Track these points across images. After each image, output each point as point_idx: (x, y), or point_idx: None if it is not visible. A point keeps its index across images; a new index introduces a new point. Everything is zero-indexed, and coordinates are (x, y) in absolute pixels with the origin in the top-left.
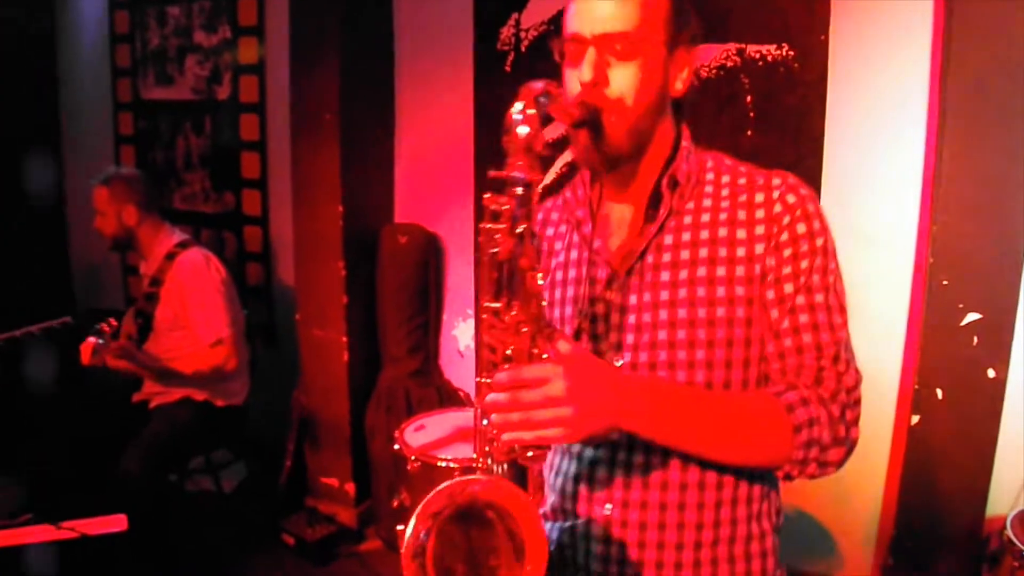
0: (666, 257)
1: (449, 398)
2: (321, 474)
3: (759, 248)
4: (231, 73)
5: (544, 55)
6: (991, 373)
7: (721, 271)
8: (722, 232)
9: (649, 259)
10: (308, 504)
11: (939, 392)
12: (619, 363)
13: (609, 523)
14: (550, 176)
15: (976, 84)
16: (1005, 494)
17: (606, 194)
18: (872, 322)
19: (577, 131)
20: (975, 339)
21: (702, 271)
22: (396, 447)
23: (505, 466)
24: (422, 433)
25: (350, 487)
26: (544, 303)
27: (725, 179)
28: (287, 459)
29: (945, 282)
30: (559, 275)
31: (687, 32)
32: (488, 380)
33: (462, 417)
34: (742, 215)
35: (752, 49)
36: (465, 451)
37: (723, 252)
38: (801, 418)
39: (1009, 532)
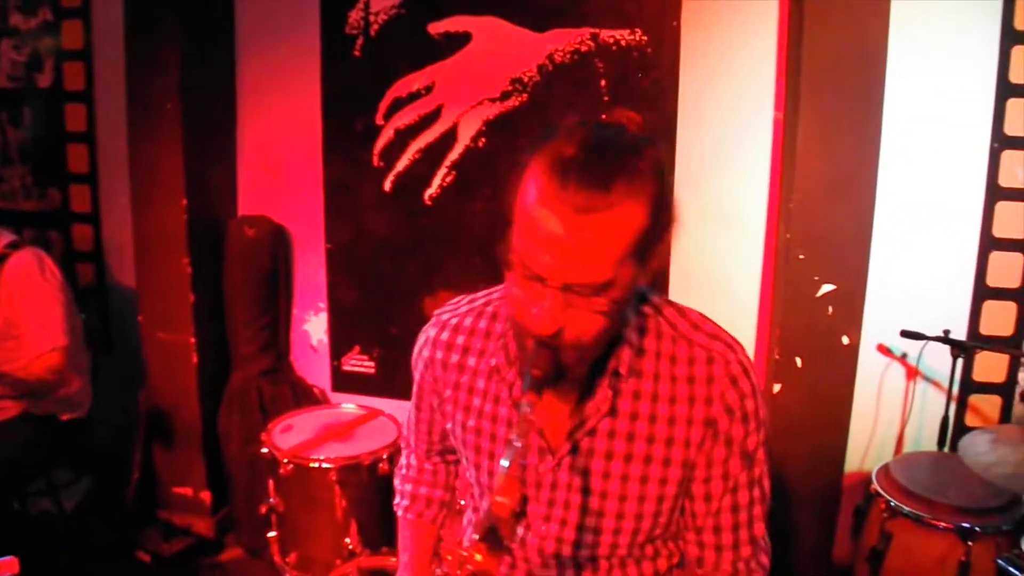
0: (601, 445)
1: (304, 395)
2: (173, 484)
3: (692, 451)
4: (53, 59)
5: (395, 40)
6: (845, 340)
7: (655, 471)
8: (659, 430)
9: (584, 444)
10: (161, 517)
11: (798, 360)
12: (544, 528)
13: None
14: (403, 163)
15: (830, 68)
16: (856, 453)
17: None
18: (729, 297)
19: (527, 389)
20: (830, 308)
21: (635, 469)
22: (265, 450)
23: None
24: (291, 434)
25: (205, 495)
26: None
27: (667, 356)
28: (134, 471)
29: (801, 256)
30: (480, 407)
31: (665, 233)
32: None
33: (329, 415)
34: (681, 411)
35: (606, 34)
36: (337, 449)
37: (658, 452)
38: None
39: (876, 485)
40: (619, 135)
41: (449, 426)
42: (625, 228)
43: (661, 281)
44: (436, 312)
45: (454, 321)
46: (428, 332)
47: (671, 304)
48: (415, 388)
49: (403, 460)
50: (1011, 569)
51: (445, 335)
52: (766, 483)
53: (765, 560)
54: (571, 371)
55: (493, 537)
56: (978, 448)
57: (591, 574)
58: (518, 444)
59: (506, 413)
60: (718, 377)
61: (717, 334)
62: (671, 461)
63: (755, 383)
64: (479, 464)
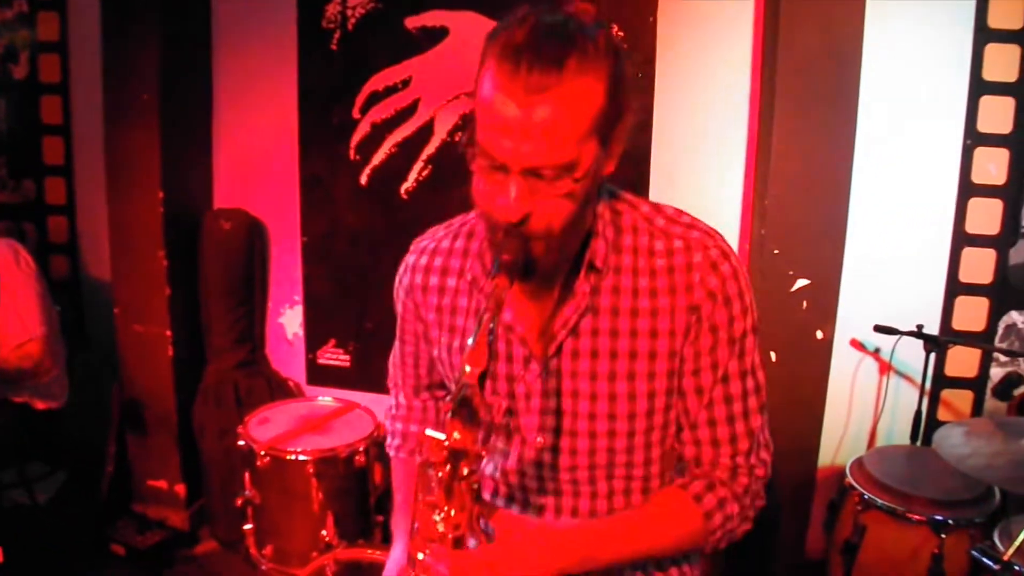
0: (584, 344)
1: (279, 387)
2: (148, 477)
3: (678, 341)
4: (28, 51)
5: (372, 34)
6: (819, 334)
7: (641, 366)
8: (642, 322)
9: (567, 345)
10: (136, 510)
11: (772, 355)
12: (538, 440)
13: None
14: (379, 157)
15: (804, 65)
16: (830, 446)
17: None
18: None
19: (497, 270)
20: (804, 303)
21: (622, 365)
22: (242, 442)
23: None
24: (268, 427)
25: (180, 488)
26: (479, 504)
27: (644, 249)
28: (108, 464)
29: (776, 251)
30: (463, 325)
31: (626, 111)
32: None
33: (305, 407)
34: (663, 302)
35: None
36: (314, 442)
37: (643, 345)
38: (717, 522)
39: (850, 478)
40: (568, 20)
41: (436, 352)
42: (582, 106)
43: None
44: (415, 240)
45: (431, 245)
46: (407, 260)
47: (645, 201)
48: (399, 321)
49: (392, 400)
50: (984, 560)
51: (424, 259)
52: (760, 375)
53: (766, 455)
54: (541, 262)
55: (466, 411)
56: (953, 441)
57: (589, 487)
58: (484, 317)
59: None
60: (697, 264)
61: (694, 224)
62: (657, 353)
63: (736, 267)
64: None
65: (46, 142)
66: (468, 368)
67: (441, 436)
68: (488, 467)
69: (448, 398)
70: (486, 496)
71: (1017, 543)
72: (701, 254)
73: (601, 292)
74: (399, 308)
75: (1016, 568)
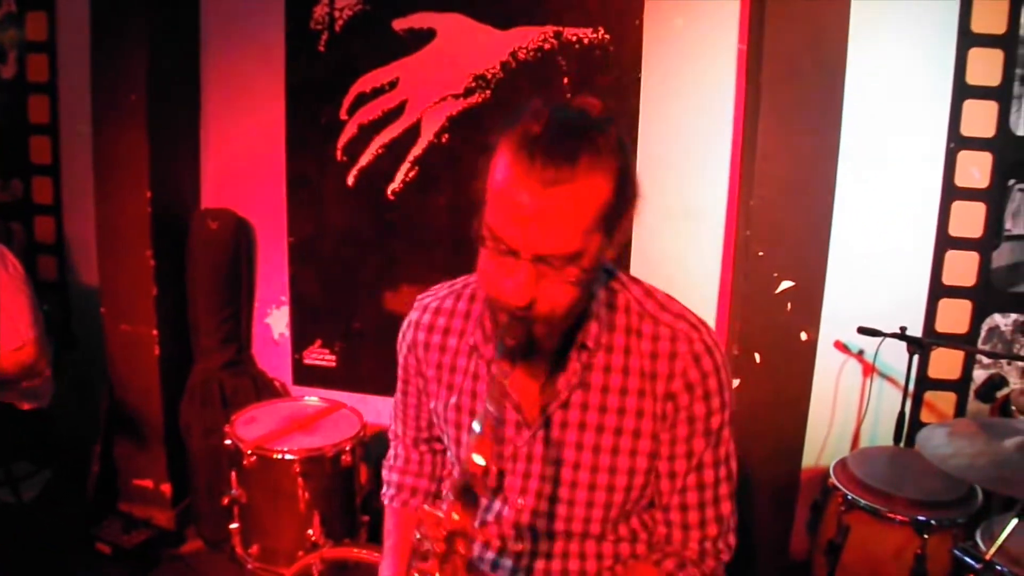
0: (574, 416)
1: (265, 387)
2: (134, 476)
3: (658, 425)
4: (17, 50)
5: (359, 36)
6: (803, 336)
7: (625, 443)
8: (629, 401)
9: (557, 416)
10: (121, 509)
11: (757, 356)
12: (520, 503)
13: None
14: (366, 158)
15: (789, 68)
16: (813, 448)
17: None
18: (688, 292)
19: (501, 355)
20: (789, 305)
21: (607, 440)
22: (228, 441)
23: None
24: (254, 425)
25: (166, 487)
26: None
27: (635, 330)
28: (95, 463)
29: (761, 253)
30: (460, 384)
31: (629, 206)
32: None
33: (291, 407)
34: (648, 387)
35: (569, 32)
36: (301, 441)
37: (629, 423)
38: None
39: (833, 479)
40: (582, 115)
41: (432, 405)
42: (591, 200)
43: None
44: (418, 297)
45: (435, 304)
46: (411, 316)
47: (639, 283)
48: (400, 373)
49: (391, 451)
50: (966, 559)
51: (427, 317)
52: (733, 464)
53: (732, 540)
54: (543, 344)
55: (468, 496)
56: (935, 441)
57: (564, 548)
58: (491, 408)
59: (485, 389)
60: (681, 354)
61: (683, 314)
62: (641, 433)
63: (720, 363)
64: (459, 440)
65: (33, 141)
66: (476, 458)
67: (439, 514)
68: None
69: (451, 484)
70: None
71: (999, 543)
72: (685, 345)
73: (593, 369)
74: (401, 361)
75: (998, 568)
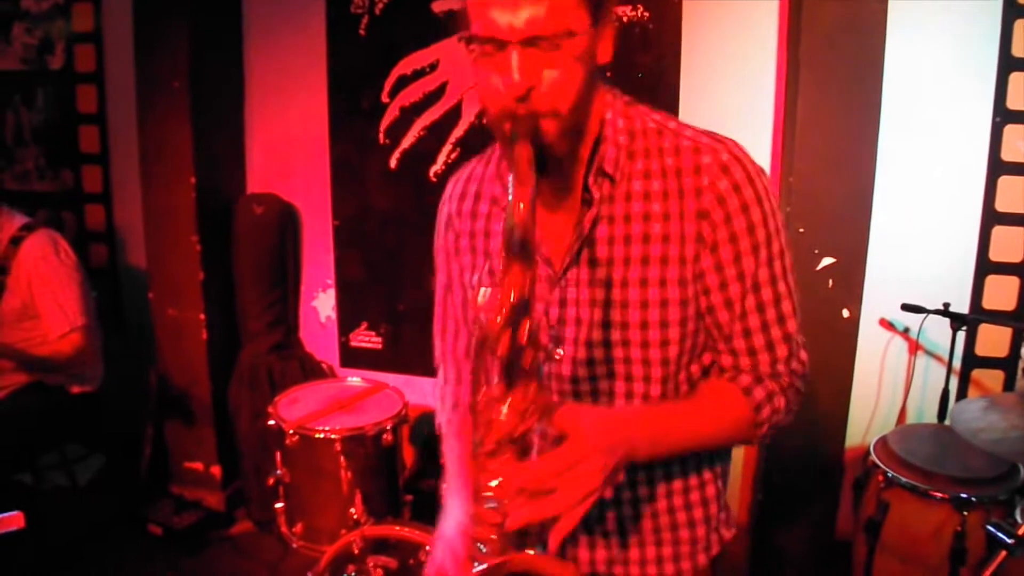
0: (599, 252)
1: (312, 370)
2: (185, 459)
3: (689, 249)
4: (64, 42)
5: (399, 18)
6: (845, 313)
7: (654, 272)
8: (655, 227)
9: (583, 255)
10: (173, 491)
11: None
12: (559, 354)
13: None
14: (408, 141)
15: (828, 40)
16: (859, 426)
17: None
18: None
19: (514, 144)
20: (830, 282)
21: (634, 272)
22: (272, 422)
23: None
24: (297, 406)
25: (216, 470)
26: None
27: (655, 151)
28: (146, 446)
29: (801, 230)
30: (494, 249)
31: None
32: (491, 471)
33: (335, 387)
34: (673, 205)
35: None
36: (343, 421)
37: (655, 250)
38: (766, 414)
39: (874, 457)
40: None
41: (469, 278)
42: None
43: None
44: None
45: (465, 173)
46: (444, 193)
47: (658, 111)
48: (440, 265)
49: (439, 376)
50: (999, 535)
51: (458, 188)
52: (791, 279)
53: (804, 356)
54: (554, 145)
55: (521, 251)
56: (968, 415)
57: (606, 397)
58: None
59: None
60: (706, 166)
61: (706, 131)
62: (668, 259)
63: (752, 172)
64: None
65: (82, 131)
66: (517, 206)
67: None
68: None
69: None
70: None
71: None
72: (710, 156)
73: (615, 200)
74: (439, 249)
75: None
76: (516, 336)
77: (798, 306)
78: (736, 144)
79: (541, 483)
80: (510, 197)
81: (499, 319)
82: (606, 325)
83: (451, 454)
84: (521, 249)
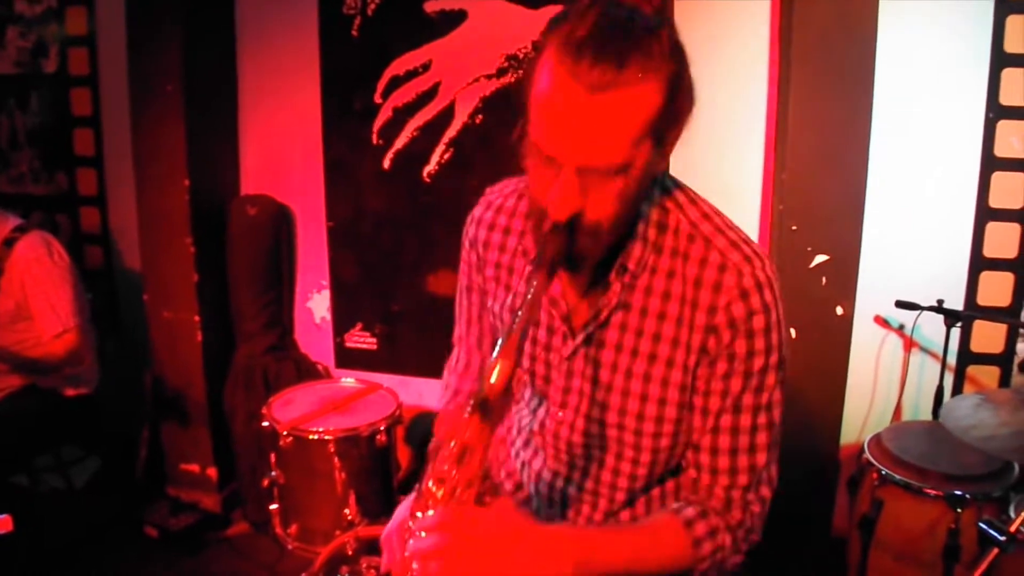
0: (611, 337)
1: (307, 371)
2: (181, 461)
3: (693, 359)
4: (58, 45)
5: (392, 19)
6: (839, 311)
7: (658, 371)
8: (666, 328)
9: (598, 334)
10: (169, 493)
11: (792, 331)
12: (560, 414)
13: None
14: (401, 141)
15: (819, 37)
16: (854, 423)
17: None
18: None
19: (538, 270)
20: (823, 279)
21: (639, 366)
22: (265, 423)
23: None
24: (291, 407)
25: (212, 471)
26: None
27: (681, 253)
28: (142, 448)
29: (794, 227)
30: (517, 286)
31: (684, 115)
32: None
33: (330, 388)
34: (688, 316)
35: None
36: (336, 422)
37: (664, 350)
38: (706, 551)
39: (867, 455)
40: (633, 15)
41: (490, 304)
42: (640, 107)
43: None
44: (487, 190)
45: (498, 201)
46: (474, 212)
47: (699, 202)
48: (463, 267)
49: (453, 354)
50: (991, 532)
51: (489, 215)
52: (776, 412)
53: (766, 493)
54: (586, 258)
55: (485, 409)
56: (959, 412)
57: (596, 465)
58: (521, 315)
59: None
60: (727, 287)
61: (739, 243)
62: (674, 363)
63: (771, 302)
64: None
65: (77, 134)
66: (496, 371)
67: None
68: (526, 419)
69: (470, 396)
70: (520, 442)
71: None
72: (734, 278)
73: (635, 290)
74: (464, 255)
75: None
76: (461, 461)
77: (776, 444)
78: (763, 265)
79: (441, 526)
80: (493, 356)
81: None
82: (605, 407)
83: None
84: (484, 409)
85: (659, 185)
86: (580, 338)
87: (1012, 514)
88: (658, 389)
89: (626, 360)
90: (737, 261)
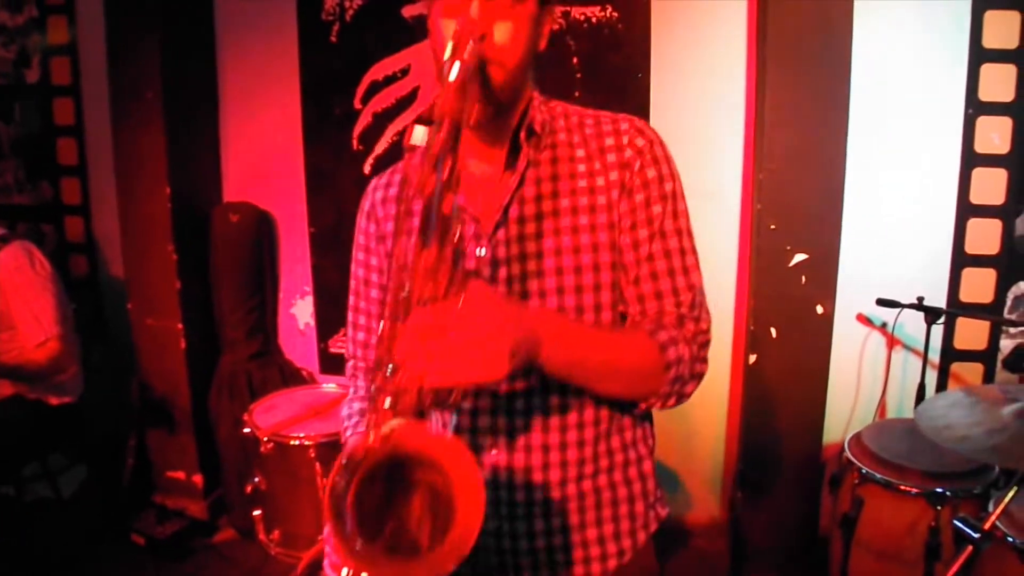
0: (528, 209)
1: (292, 377)
2: (167, 468)
3: (614, 194)
4: (40, 55)
5: (370, 24)
6: (819, 309)
7: (583, 219)
8: (581, 182)
9: (512, 212)
10: (156, 501)
11: (773, 331)
12: None
13: (495, 467)
14: (381, 146)
15: (794, 35)
16: (838, 422)
17: (463, 152)
18: (708, 270)
19: (462, 80)
20: (803, 278)
21: (565, 221)
22: (247, 430)
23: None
24: (273, 413)
25: (198, 479)
26: (459, 248)
27: (576, 126)
28: (129, 456)
29: (773, 226)
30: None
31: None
32: (395, 331)
33: (311, 394)
34: (597, 164)
35: (577, 11)
36: (317, 427)
37: (583, 200)
38: (671, 356)
39: (848, 454)
40: None
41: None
42: None
43: None
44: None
45: (389, 172)
46: (368, 188)
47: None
48: (359, 260)
49: (352, 387)
50: (966, 529)
51: (383, 179)
52: (692, 240)
53: (708, 315)
54: (496, 90)
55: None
56: (933, 412)
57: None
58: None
59: None
60: (624, 130)
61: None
62: (596, 226)
63: (659, 139)
64: None
65: (60, 143)
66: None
67: (422, 130)
68: None
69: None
70: None
71: (996, 514)
72: (627, 123)
73: (542, 163)
74: (358, 243)
75: (1010, 539)
76: (441, 181)
77: (700, 272)
78: (636, 118)
79: (440, 323)
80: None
81: (430, 154)
82: (539, 275)
83: None
84: (460, 87)
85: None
86: (497, 218)
87: (990, 511)
88: (588, 236)
89: (550, 223)
90: (625, 118)
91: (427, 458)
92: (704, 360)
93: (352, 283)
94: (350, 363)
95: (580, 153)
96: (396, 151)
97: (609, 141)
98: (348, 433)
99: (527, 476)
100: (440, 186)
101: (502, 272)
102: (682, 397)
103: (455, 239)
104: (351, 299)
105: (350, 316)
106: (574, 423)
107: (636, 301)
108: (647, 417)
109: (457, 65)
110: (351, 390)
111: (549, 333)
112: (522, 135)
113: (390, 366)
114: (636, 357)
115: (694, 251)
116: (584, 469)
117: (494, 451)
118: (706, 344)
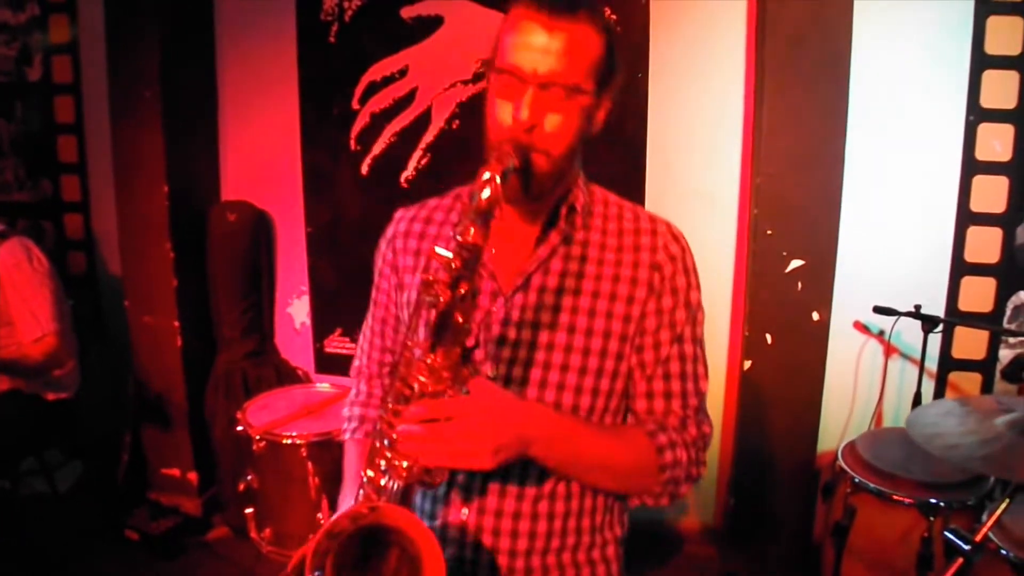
0: (551, 281)
1: (287, 376)
2: (161, 465)
3: (640, 292)
4: (42, 53)
5: (369, 25)
6: (815, 316)
7: (602, 305)
8: (607, 270)
9: (535, 280)
10: (150, 497)
11: (768, 337)
12: (492, 374)
13: (464, 528)
14: (379, 147)
15: (792, 40)
16: (833, 430)
17: (500, 214)
18: (705, 275)
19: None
20: (799, 284)
21: (584, 302)
22: (240, 428)
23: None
24: (266, 412)
25: (192, 476)
26: (466, 353)
27: (614, 216)
28: (124, 453)
29: (769, 232)
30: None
31: (615, 79)
32: (397, 410)
33: (304, 393)
34: (628, 256)
35: None
36: (309, 426)
37: (606, 287)
38: (668, 459)
39: (841, 462)
40: None
41: (404, 297)
42: (589, 44)
43: None
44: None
45: (416, 206)
46: (393, 217)
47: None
48: (375, 279)
49: (354, 388)
50: (956, 540)
51: (409, 213)
52: (704, 348)
53: (709, 424)
54: (537, 177)
55: (484, 217)
56: (924, 420)
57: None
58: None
59: None
60: (661, 232)
61: (655, 215)
62: (613, 315)
63: (689, 249)
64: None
65: (61, 141)
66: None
67: (448, 254)
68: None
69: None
70: None
71: (987, 526)
72: (664, 227)
73: (574, 243)
74: (377, 266)
75: (1004, 552)
76: (457, 303)
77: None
78: (670, 222)
79: (432, 414)
80: (485, 175)
81: (450, 268)
82: (548, 347)
83: (350, 467)
84: (482, 215)
85: (582, 169)
86: (517, 283)
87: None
88: (603, 321)
89: (569, 300)
90: (663, 221)
91: (401, 531)
92: (702, 463)
93: (372, 292)
94: (356, 363)
95: (612, 242)
96: (393, 151)
97: (645, 240)
98: (347, 435)
99: (495, 540)
100: (456, 301)
101: (511, 333)
102: (675, 497)
103: (463, 346)
104: (370, 306)
105: (364, 324)
106: (548, 493)
107: (645, 397)
108: (623, 508)
109: (488, 191)
110: (352, 392)
111: (542, 434)
112: (563, 210)
113: (386, 441)
114: (631, 457)
115: (705, 360)
116: (551, 543)
117: (465, 511)
118: (705, 448)
